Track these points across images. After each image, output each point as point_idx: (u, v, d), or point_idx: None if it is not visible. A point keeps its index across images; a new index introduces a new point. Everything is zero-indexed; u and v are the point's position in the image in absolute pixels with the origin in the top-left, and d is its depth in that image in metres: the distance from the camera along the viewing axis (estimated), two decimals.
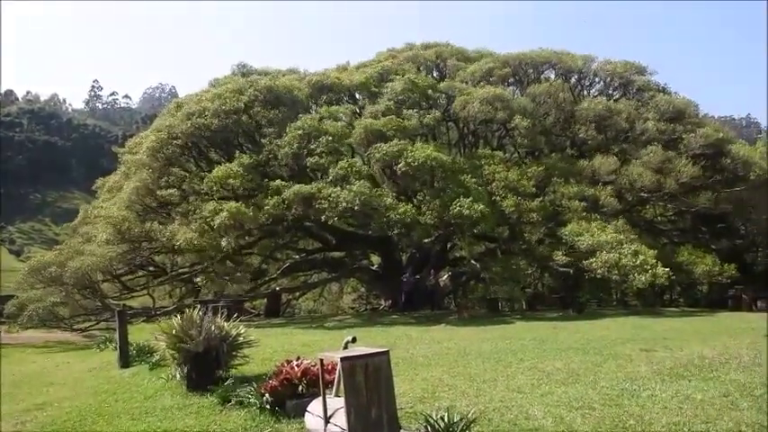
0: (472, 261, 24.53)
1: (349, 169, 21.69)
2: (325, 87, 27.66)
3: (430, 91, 26.62)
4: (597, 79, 30.09)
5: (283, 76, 28.95)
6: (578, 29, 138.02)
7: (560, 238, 21.96)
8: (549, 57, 29.50)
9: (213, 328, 8.81)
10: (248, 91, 24.96)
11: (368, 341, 13.24)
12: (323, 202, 20.61)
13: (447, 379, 8.21)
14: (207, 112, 23.88)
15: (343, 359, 4.27)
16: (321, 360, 5.07)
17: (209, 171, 23.57)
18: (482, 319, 21.37)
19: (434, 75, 31.13)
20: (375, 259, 32.85)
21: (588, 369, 8.37)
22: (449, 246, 29.25)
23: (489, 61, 29.14)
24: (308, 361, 7.24)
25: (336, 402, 4.74)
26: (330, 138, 22.88)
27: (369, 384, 4.17)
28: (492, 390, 7.34)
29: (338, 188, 20.93)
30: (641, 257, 19.56)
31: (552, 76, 29.74)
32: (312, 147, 22.78)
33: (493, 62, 29.04)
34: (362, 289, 39.28)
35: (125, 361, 11.88)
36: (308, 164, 22.77)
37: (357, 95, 29.23)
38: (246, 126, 25.01)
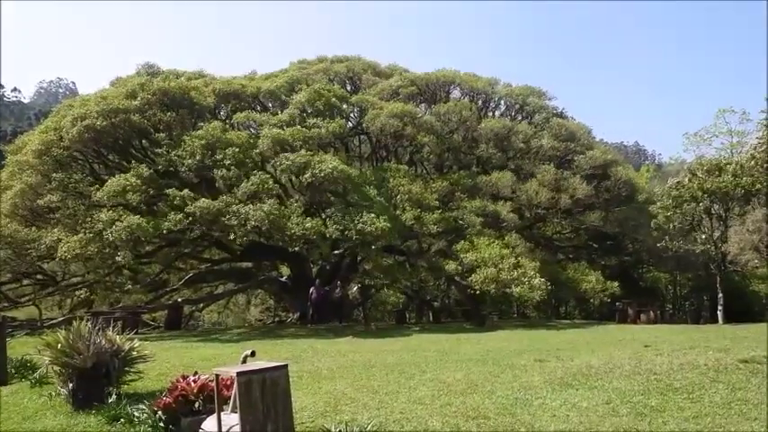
0: (380, 274, 24.73)
1: (260, 186, 21.12)
2: (232, 95, 26.96)
3: (338, 102, 26.56)
4: (501, 101, 31.62)
5: (189, 79, 27.85)
6: (492, 54, 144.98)
7: (457, 254, 22.70)
8: (454, 77, 30.65)
9: (103, 341, 8.25)
10: (140, 93, 23.70)
11: (272, 354, 13.01)
12: (231, 218, 19.98)
13: (350, 392, 8.20)
14: (92, 113, 22.39)
15: (239, 374, 4.15)
16: (217, 375, 4.89)
17: (106, 175, 22.20)
18: (389, 331, 21.57)
19: (347, 88, 31.38)
20: (285, 270, 32.35)
21: (486, 379, 8.67)
22: (359, 258, 29.40)
23: (399, 79, 29.82)
24: (206, 376, 6.96)
25: (233, 419, 4.59)
26: (236, 149, 22.14)
27: (265, 399, 4.08)
28: (394, 402, 7.41)
29: (249, 206, 20.30)
30: (521, 270, 20.65)
31: (459, 96, 30.90)
32: (218, 158, 22.01)
33: (402, 80, 29.73)
34: (271, 301, 38.53)
35: (2, 378, 10.85)
36: (215, 176, 21.96)
37: (267, 105, 28.78)
38: (141, 129, 23.58)
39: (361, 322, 30.49)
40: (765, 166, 28.42)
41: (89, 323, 8.64)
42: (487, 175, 27.13)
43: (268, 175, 22.05)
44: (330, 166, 21.29)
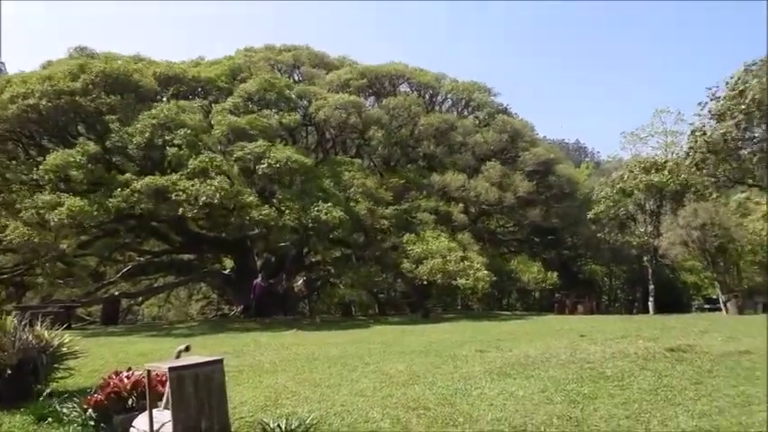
0: (327, 266, 24.64)
1: (209, 163, 20.68)
2: (175, 79, 26.11)
3: (288, 92, 26.24)
4: (448, 96, 31.99)
5: (128, 64, 26.78)
6: (442, 49, 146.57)
7: (404, 246, 22.95)
8: (403, 71, 30.77)
9: (30, 337, 7.86)
10: (83, 75, 22.63)
11: (213, 349, 12.74)
12: (180, 194, 19.40)
13: (292, 385, 8.11)
14: (35, 93, 21.22)
15: (171, 369, 4.02)
16: (148, 371, 4.73)
17: (42, 159, 21.09)
18: (334, 323, 21.55)
19: (294, 78, 30.95)
20: (228, 263, 31.72)
21: (428, 370, 8.76)
22: (305, 250, 29.14)
23: (348, 71, 29.66)
24: (140, 372, 6.73)
25: (165, 416, 4.45)
26: (189, 131, 21.61)
27: (199, 395, 3.97)
28: (335, 394, 7.39)
29: (197, 182, 19.88)
30: (467, 263, 21.16)
31: (408, 90, 31.04)
32: (168, 138, 21.33)
33: (351, 72, 29.59)
34: (214, 294, 37.73)
35: None
36: (166, 154, 21.24)
37: (211, 91, 27.98)
38: (85, 111, 22.56)
39: (306, 315, 30.32)
40: (698, 165, 29.95)
41: (15, 318, 8.21)
42: (433, 170, 27.43)
43: (217, 155, 21.63)
44: (284, 155, 21.07)
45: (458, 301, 39.13)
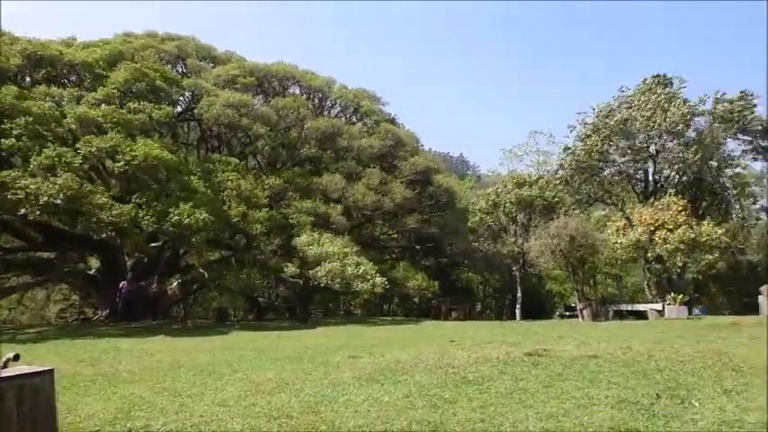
0: (201, 269, 23.62)
1: (57, 159, 18.82)
2: (46, 60, 23.77)
3: (165, 85, 24.75)
4: (337, 101, 32.11)
5: None
6: (336, 53, 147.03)
7: (293, 249, 22.58)
8: (294, 73, 30.41)
9: None
10: None
11: (66, 356, 11.70)
12: (18, 193, 17.52)
13: (149, 395, 7.60)
14: None
15: None
16: None
17: None
18: (208, 328, 20.66)
19: (178, 69, 29.43)
20: (95, 262, 29.33)
21: (298, 377, 8.61)
22: (181, 251, 27.71)
23: (237, 67, 28.74)
24: None
25: None
26: (30, 119, 19.53)
27: (22, 410, 3.54)
28: (196, 404, 7.02)
29: (39, 179, 18.03)
30: (363, 268, 21.29)
31: (297, 92, 30.72)
32: (5, 126, 19.19)
33: (239, 69, 28.70)
34: (75, 296, 34.72)
35: None
36: (1, 146, 19.11)
37: (84, 76, 25.83)
38: None
39: (179, 320, 28.82)
40: (565, 182, 32.57)
41: None
42: (318, 174, 27.32)
43: (70, 150, 19.74)
44: (144, 151, 19.70)
45: (340, 307, 39.25)
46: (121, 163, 19.37)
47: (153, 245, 23.13)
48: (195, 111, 26.29)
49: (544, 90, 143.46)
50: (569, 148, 32.49)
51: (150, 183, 20.67)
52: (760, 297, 20.82)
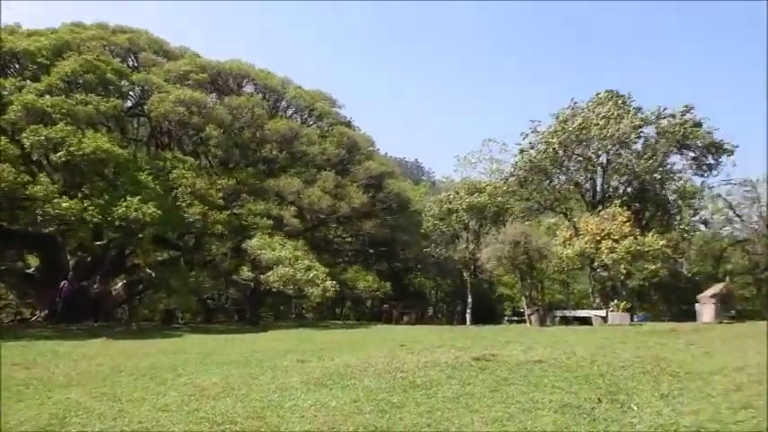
0: (148, 270, 22.94)
1: None
2: None
3: (115, 77, 23.94)
4: (292, 102, 31.84)
5: None
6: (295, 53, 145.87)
7: (245, 252, 22.22)
8: (248, 71, 29.99)
9: None
10: None
11: None
12: None
13: (86, 401, 7.30)
14: None
15: None
16: None
17: None
18: (153, 331, 20.05)
19: (128, 63, 28.54)
20: (34, 261, 28.05)
21: (244, 382, 8.44)
22: (127, 251, 26.82)
23: (189, 63, 28.12)
24: None
25: None
26: None
27: None
28: (136, 410, 6.78)
29: None
30: (314, 272, 21.13)
31: (252, 91, 30.28)
32: None
33: (192, 65, 28.07)
34: (12, 296, 33.04)
35: None
36: None
37: (27, 66, 24.68)
38: None
39: (123, 322, 27.86)
40: (519, 185, 33.21)
41: None
42: (273, 175, 26.99)
43: (9, 141, 18.83)
44: (94, 144, 19.01)
45: (292, 310, 38.82)
46: (63, 152, 18.57)
47: (98, 243, 22.30)
48: (145, 107, 25.53)
49: (500, 98, 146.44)
50: (525, 150, 33.05)
51: (96, 177, 19.95)
52: (697, 305, 21.74)
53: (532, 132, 33.64)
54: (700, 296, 21.99)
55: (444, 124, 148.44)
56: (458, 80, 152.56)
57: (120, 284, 27.64)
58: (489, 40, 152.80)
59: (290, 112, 31.74)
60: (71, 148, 18.52)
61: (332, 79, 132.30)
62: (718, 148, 31.65)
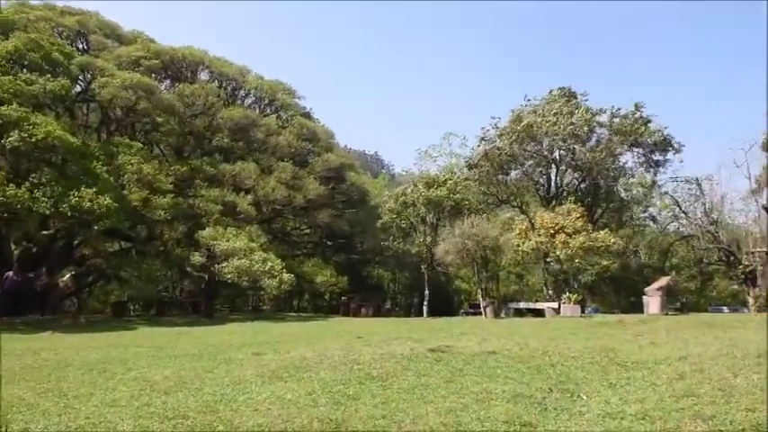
0: (99, 260, 22.24)
1: None
2: None
3: (62, 58, 22.94)
4: (251, 92, 31.34)
5: None
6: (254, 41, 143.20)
7: (198, 242, 21.79)
8: (203, 58, 29.34)
9: None
10: None
11: None
12: None
13: (30, 396, 7.04)
14: None
15: None
16: None
17: None
18: (103, 324, 19.49)
19: (78, 46, 27.46)
20: None
21: (197, 376, 8.28)
22: (75, 241, 25.92)
23: (141, 48, 27.27)
24: None
25: None
26: None
27: None
28: (83, 405, 6.56)
29: None
30: (270, 264, 20.91)
31: (208, 79, 29.64)
32: None
33: (143, 50, 27.24)
34: None
35: None
36: None
37: None
38: None
39: (71, 315, 26.91)
40: (472, 182, 33.64)
41: None
42: (230, 164, 26.53)
43: None
44: (45, 129, 18.26)
45: (248, 303, 38.32)
46: (15, 137, 17.75)
47: (45, 233, 21.46)
48: (93, 91, 24.65)
49: (460, 92, 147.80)
50: (485, 139, 33.42)
51: (45, 165, 19.13)
52: (644, 297, 22.56)
53: (493, 128, 34.13)
54: (647, 289, 22.80)
55: (406, 118, 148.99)
56: (421, 76, 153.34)
57: (67, 276, 26.72)
58: (451, 31, 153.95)
59: (248, 101, 31.22)
60: (22, 134, 17.66)
61: (292, 69, 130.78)
62: (667, 145, 32.87)
